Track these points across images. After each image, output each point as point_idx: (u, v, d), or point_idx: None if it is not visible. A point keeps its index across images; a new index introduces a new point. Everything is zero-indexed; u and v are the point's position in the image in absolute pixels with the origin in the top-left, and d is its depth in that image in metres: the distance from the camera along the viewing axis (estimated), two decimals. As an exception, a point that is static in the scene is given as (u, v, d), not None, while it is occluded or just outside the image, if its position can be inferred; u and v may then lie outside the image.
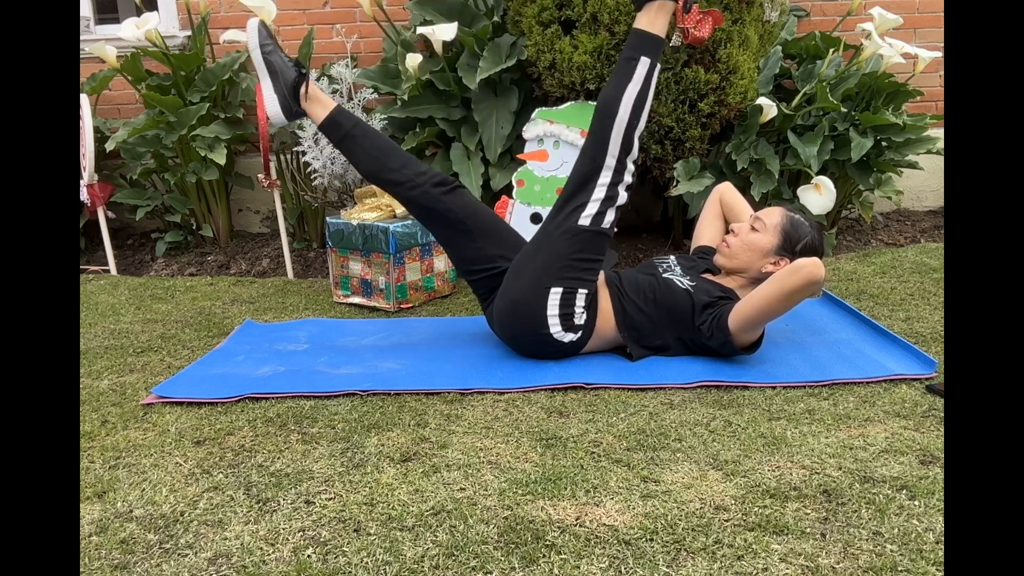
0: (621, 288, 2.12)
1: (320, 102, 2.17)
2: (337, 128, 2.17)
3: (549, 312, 2.03)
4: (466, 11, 3.26)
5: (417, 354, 2.19)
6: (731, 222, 2.35)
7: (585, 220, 2.06)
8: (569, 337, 2.07)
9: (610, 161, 2.05)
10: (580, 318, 2.07)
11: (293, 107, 2.16)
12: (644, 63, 2.04)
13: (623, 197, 2.09)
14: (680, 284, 2.09)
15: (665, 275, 2.14)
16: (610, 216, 2.08)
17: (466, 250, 2.16)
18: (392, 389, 1.93)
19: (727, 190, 2.41)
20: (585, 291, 2.06)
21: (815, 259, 1.89)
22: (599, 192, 2.06)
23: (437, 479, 1.49)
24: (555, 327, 2.04)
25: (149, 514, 1.41)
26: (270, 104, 2.15)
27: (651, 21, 2.06)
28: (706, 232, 2.42)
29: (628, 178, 2.09)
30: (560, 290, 2.03)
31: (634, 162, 2.09)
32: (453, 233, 2.16)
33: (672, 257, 2.29)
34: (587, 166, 2.08)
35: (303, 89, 2.15)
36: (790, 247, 2.12)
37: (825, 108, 3.10)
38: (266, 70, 2.14)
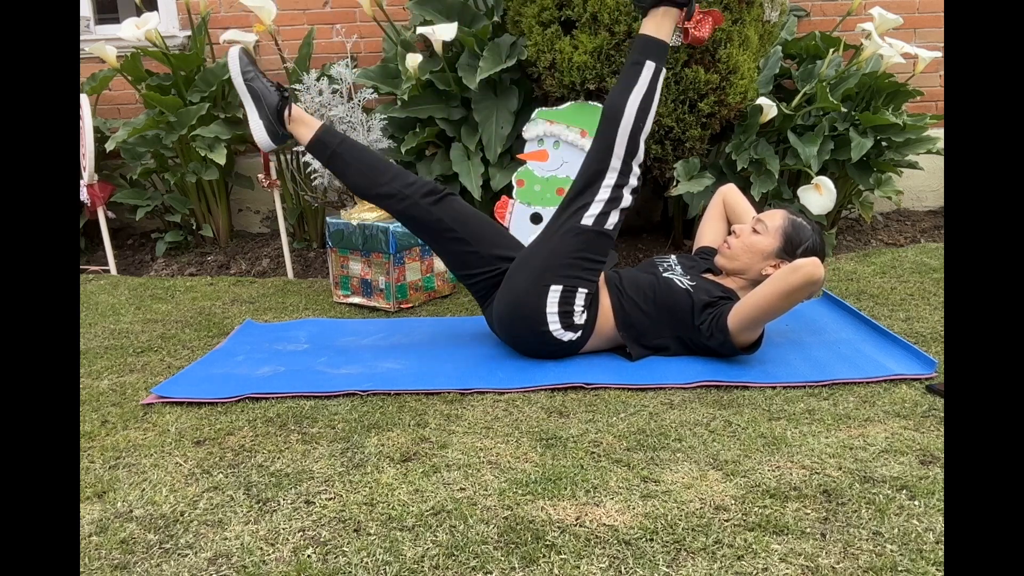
0: (621, 287, 2.12)
1: (305, 123, 2.19)
2: (324, 147, 2.19)
3: (548, 310, 2.04)
4: (466, 11, 3.26)
5: (417, 354, 2.19)
6: (733, 223, 2.35)
7: (588, 220, 2.07)
8: (568, 336, 2.07)
9: (615, 163, 2.06)
10: (580, 317, 2.07)
11: (279, 131, 2.18)
12: (649, 67, 2.05)
13: (627, 200, 2.10)
14: (680, 284, 2.10)
15: (665, 275, 2.15)
16: (613, 218, 2.09)
17: (461, 256, 2.17)
18: (392, 389, 1.93)
19: (730, 191, 2.42)
20: (585, 291, 2.07)
21: (814, 259, 1.89)
22: (603, 193, 2.07)
23: (437, 479, 1.49)
24: (554, 325, 2.05)
25: (149, 514, 1.41)
26: (257, 131, 2.17)
27: (657, 26, 2.08)
28: (708, 233, 2.42)
29: (633, 181, 2.10)
30: (560, 288, 2.04)
31: (640, 165, 2.10)
32: (446, 241, 2.17)
33: (673, 257, 2.29)
34: (592, 168, 2.09)
35: (287, 112, 2.17)
36: (791, 250, 2.12)
37: (825, 108, 3.09)
38: (249, 97, 2.16)
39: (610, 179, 2.07)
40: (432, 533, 1.31)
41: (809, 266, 1.86)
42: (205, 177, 3.51)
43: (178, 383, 2.01)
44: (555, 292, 2.04)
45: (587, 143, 2.87)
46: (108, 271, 3.42)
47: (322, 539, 1.31)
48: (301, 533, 1.33)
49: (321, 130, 2.18)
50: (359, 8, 3.72)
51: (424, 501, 1.41)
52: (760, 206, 2.97)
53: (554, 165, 2.91)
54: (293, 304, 2.83)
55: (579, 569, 1.20)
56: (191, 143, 3.43)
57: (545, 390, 1.92)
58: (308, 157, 3.07)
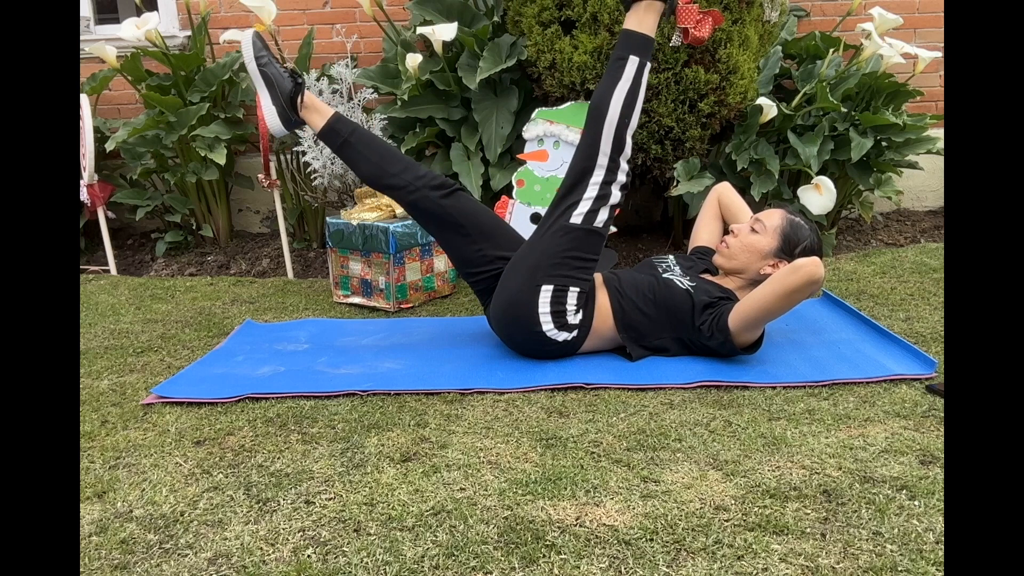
0: (620, 288, 2.12)
1: (318, 110, 2.18)
2: (335, 135, 2.18)
3: (540, 310, 2.04)
4: (466, 11, 3.26)
5: (417, 354, 2.19)
6: (729, 223, 2.35)
7: (577, 218, 2.06)
8: (563, 336, 2.07)
9: (602, 160, 2.06)
10: (574, 317, 2.07)
11: (292, 117, 2.16)
12: (633, 62, 2.05)
13: (616, 196, 2.09)
14: (680, 284, 2.09)
15: (665, 275, 2.14)
16: (603, 215, 2.08)
17: (465, 252, 2.16)
18: (392, 389, 1.93)
19: (725, 190, 2.42)
20: (577, 289, 2.06)
21: (815, 258, 1.89)
22: (591, 191, 2.07)
23: (437, 479, 1.49)
24: (547, 325, 2.04)
25: (149, 514, 1.41)
26: (269, 116, 2.16)
27: (639, 21, 2.07)
28: (704, 232, 2.42)
29: (621, 177, 2.09)
30: (551, 287, 2.04)
31: (628, 161, 2.10)
32: (452, 235, 2.16)
33: (671, 257, 2.29)
34: (580, 165, 2.08)
35: (300, 98, 2.16)
36: (789, 249, 2.12)
37: (825, 108, 3.10)
38: (263, 82, 2.15)
39: (597, 176, 2.07)
40: (432, 533, 1.31)
41: (810, 265, 1.87)
42: (205, 177, 3.51)
43: (178, 383, 2.01)
44: (546, 292, 2.04)
45: (587, 143, 2.87)
46: (108, 271, 3.43)
47: (322, 539, 1.31)
48: (301, 533, 1.33)
49: (334, 118, 2.18)
50: (359, 8, 3.72)
51: (424, 501, 1.41)
52: (760, 206, 2.98)
53: (554, 165, 2.91)
54: (293, 304, 2.83)
55: (579, 569, 1.20)
56: (191, 143, 3.43)
57: (545, 390, 1.92)
58: (309, 157, 3.07)
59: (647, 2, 2.06)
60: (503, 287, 2.09)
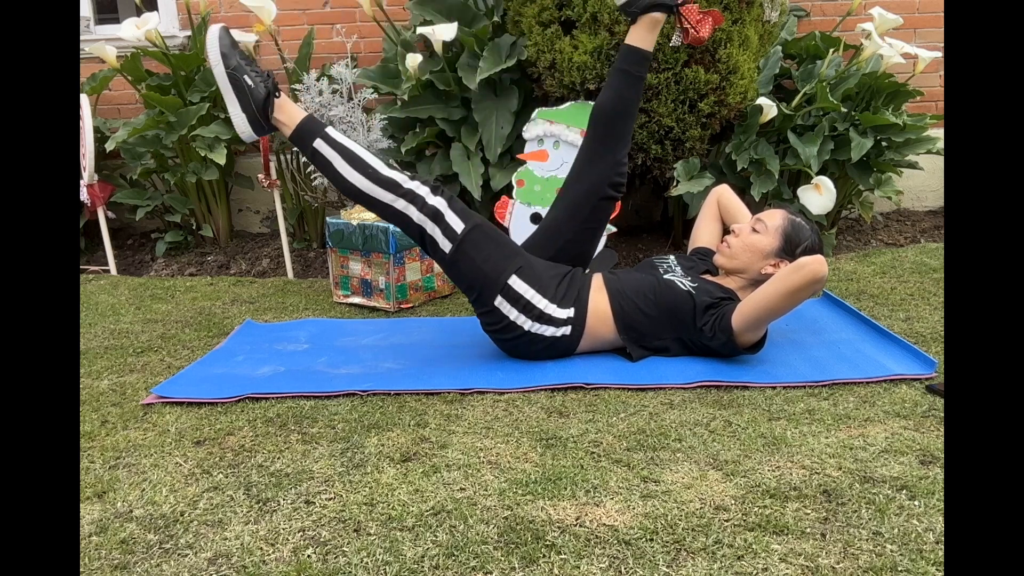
0: (620, 289, 2.12)
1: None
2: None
3: (511, 317, 2.05)
4: (466, 11, 3.26)
5: (417, 354, 2.19)
6: (728, 223, 2.35)
7: (446, 245, 2.03)
8: (550, 331, 2.05)
9: (399, 204, 2.03)
10: (547, 306, 2.04)
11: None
12: (319, 145, 2.05)
13: (441, 202, 2.03)
14: (682, 285, 2.09)
15: (666, 276, 2.14)
16: (453, 220, 2.02)
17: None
18: (392, 389, 1.93)
19: (724, 192, 2.42)
20: (513, 274, 2.03)
21: (818, 256, 1.89)
22: (425, 223, 2.03)
23: (437, 479, 1.49)
24: (525, 323, 2.05)
25: (149, 514, 1.41)
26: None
27: (286, 122, 2.06)
28: (703, 233, 2.42)
29: (423, 190, 2.04)
30: (500, 297, 2.04)
31: (413, 178, 2.05)
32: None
33: (672, 257, 2.29)
34: (398, 224, 2.07)
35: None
36: (790, 249, 2.12)
37: (825, 108, 3.09)
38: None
39: (412, 213, 2.02)
40: (432, 533, 1.31)
41: (813, 264, 1.87)
42: (205, 177, 3.51)
43: (178, 383, 2.01)
44: (502, 303, 2.04)
45: (587, 143, 2.87)
46: (108, 271, 3.42)
47: (322, 539, 1.31)
48: (301, 533, 1.33)
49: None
50: (359, 8, 3.72)
51: (424, 501, 1.41)
52: (760, 206, 2.98)
53: (554, 165, 2.91)
54: (293, 304, 2.83)
55: (579, 569, 1.20)
56: (191, 143, 3.43)
57: (545, 390, 1.92)
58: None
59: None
60: (480, 323, 2.14)
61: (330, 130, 2.07)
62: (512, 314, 2.04)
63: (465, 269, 2.05)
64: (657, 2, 2.12)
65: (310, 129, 2.07)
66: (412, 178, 2.07)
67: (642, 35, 2.16)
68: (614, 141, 2.19)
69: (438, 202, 2.03)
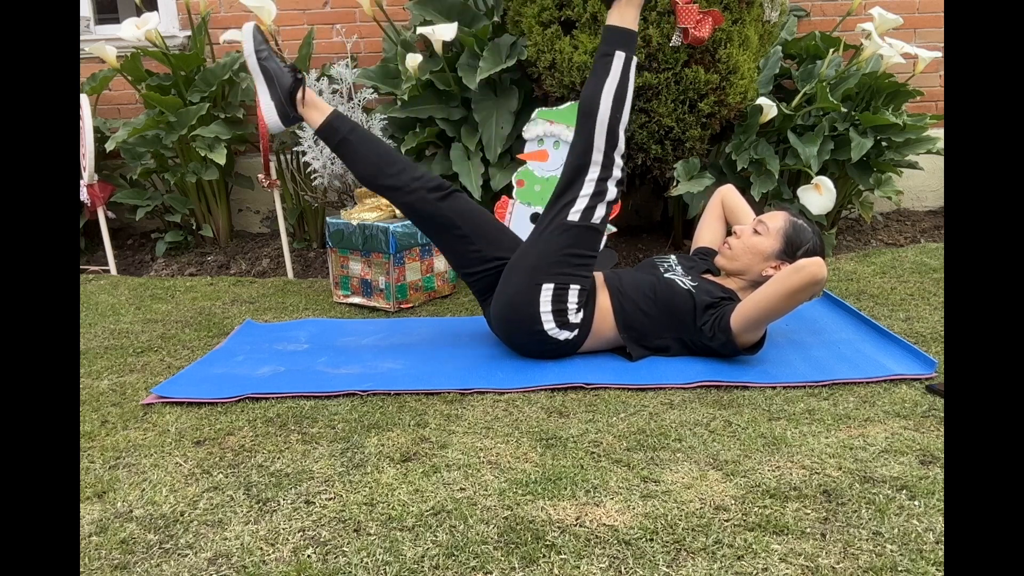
0: (621, 288, 2.12)
1: (317, 107, 2.17)
2: (334, 133, 2.17)
3: (542, 308, 2.04)
4: (466, 11, 3.26)
5: (417, 354, 2.19)
6: (732, 224, 2.35)
7: (574, 216, 2.07)
8: (564, 335, 2.07)
9: (597, 157, 2.06)
10: (575, 316, 2.07)
11: (290, 113, 2.16)
12: (620, 57, 2.05)
13: (612, 192, 2.10)
14: (682, 285, 2.09)
15: (667, 275, 2.14)
16: (600, 211, 2.09)
17: (462, 253, 2.16)
18: (392, 389, 1.93)
19: (729, 192, 2.41)
20: (578, 287, 2.07)
21: (817, 259, 1.89)
22: (587, 188, 2.07)
23: (437, 479, 1.49)
24: (548, 323, 2.05)
25: (149, 514, 1.41)
26: (267, 112, 2.15)
27: (621, 16, 2.07)
28: (706, 233, 2.42)
29: (617, 172, 2.09)
30: (552, 286, 2.04)
31: (622, 156, 2.10)
32: (449, 237, 2.16)
33: (673, 257, 2.29)
34: (575, 163, 2.09)
35: (300, 94, 2.15)
36: (791, 251, 2.12)
37: (825, 108, 3.10)
38: (262, 77, 2.14)
39: (593, 173, 2.07)
40: (432, 533, 1.31)
41: (812, 266, 1.87)
42: (205, 177, 3.51)
43: (178, 383, 2.01)
44: (547, 291, 2.04)
45: (587, 143, 2.87)
46: (108, 271, 3.43)
47: (322, 539, 1.31)
48: (301, 533, 1.33)
49: (332, 115, 2.17)
50: (359, 8, 3.72)
51: (424, 501, 1.41)
52: (760, 206, 2.98)
53: (554, 165, 2.91)
54: (293, 304, 2.83)
55: (579, 569, 1.20)
56: (191, 143, 3.43)
57: (545, 390, 1.92)
58: (309, 157, 3.07)
59: None
60: (503, 288, 2.09)
61: (635, 61, 2.09)
62: (544, 307, 2.04)
63: (561, 243, 2.06)
64: None
65: (628, 41, 2.08)
66: (623, 156, 2.10)
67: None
68: None
69: (612, 189, 2.10)
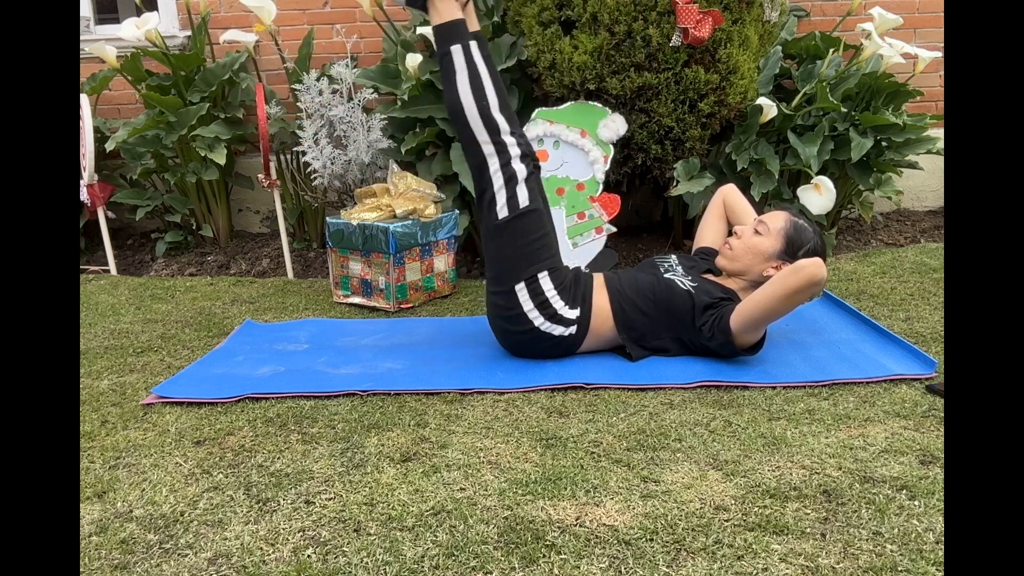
0: (620, 288, 2.12)
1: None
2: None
3: (525, 308, 2.06)
4: (466, 11, 3.26)
5: (417, 354, 2.19)
6: (734, 224, 2.34)
7: (503, 211, 2.07)
8: (559, 330, 2.07)
9: (487, 149, 2.07)
10: (563, 306, 2.07)
11: None
12: (456, 51, 2.06)
13: (522, 170, 2.09)
14: (682, 285, 2.09)
15: (667, 275, 2.14)
16: (522, 192, 2.08)
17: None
18: (392, 389, 1.93)
19: (731, 192, 2.41)
20: (546, 271, 2.08)
21: (817, 259, 1.89)
22: (496, 179, 2.08)
23: (437, 479, 1.49)
24: (537, 319, 2.06)
25: (149, 514, 1.41)
26: None
27: (438, 13, 2.09)
28: (708, 233, 2.42)
29: (515, 151, 2.09)
30: (523, 284, 2.06)
31: (513, 133, 2.09)
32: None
33: (673, 257, 2.29)
34: (474, 165, 2.11)
35: None
36: (792, 252, 2.11)
37: (825, 108, 3.09)
38: None
39: (493, 165, 2.08)
40: (432, 533, 1.31)
41: (812, 267, 1.86)
42: (205, 177, 3.51)
43: (178, 383, 2.01)
44: (522, 291, 2.06)
45: (587, 143, 2.87)
46: (108, 271, 3.42)
47: (322, 539, 1.31)
48: (301, 533, 1.33)
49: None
50: (359, 8, 3.72)
51: (424, 501, 1.41)
52: (760, 206, 2.98)
53: (554, 165, 2.91)
54: (293, 304, 2.83)
55: (579, 569, 1.20)
56: (191, 143, 3.43)
57: (545, 390, 1.92)
58: (309, 157, 3.07)
59: None
60: (489, 307, 2.14)
61: (474, 44, 2.09)
62: (527, 306, 2.06)
63: (506, 242, 2.07)
64: None
65: (457, 32, 2.09)
66: (512, 133, 2.09)
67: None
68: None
69: (519, 168, 2.07)
